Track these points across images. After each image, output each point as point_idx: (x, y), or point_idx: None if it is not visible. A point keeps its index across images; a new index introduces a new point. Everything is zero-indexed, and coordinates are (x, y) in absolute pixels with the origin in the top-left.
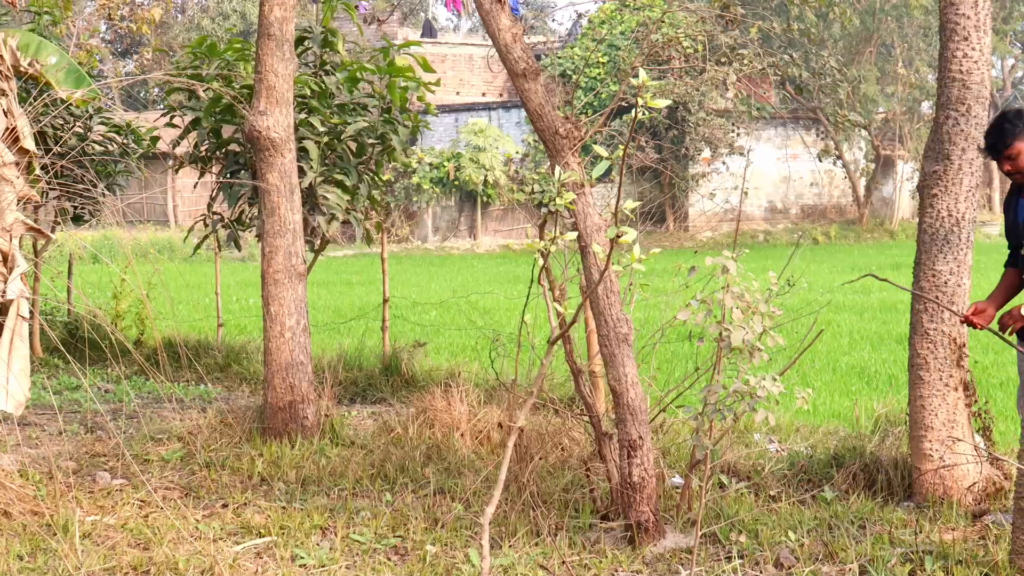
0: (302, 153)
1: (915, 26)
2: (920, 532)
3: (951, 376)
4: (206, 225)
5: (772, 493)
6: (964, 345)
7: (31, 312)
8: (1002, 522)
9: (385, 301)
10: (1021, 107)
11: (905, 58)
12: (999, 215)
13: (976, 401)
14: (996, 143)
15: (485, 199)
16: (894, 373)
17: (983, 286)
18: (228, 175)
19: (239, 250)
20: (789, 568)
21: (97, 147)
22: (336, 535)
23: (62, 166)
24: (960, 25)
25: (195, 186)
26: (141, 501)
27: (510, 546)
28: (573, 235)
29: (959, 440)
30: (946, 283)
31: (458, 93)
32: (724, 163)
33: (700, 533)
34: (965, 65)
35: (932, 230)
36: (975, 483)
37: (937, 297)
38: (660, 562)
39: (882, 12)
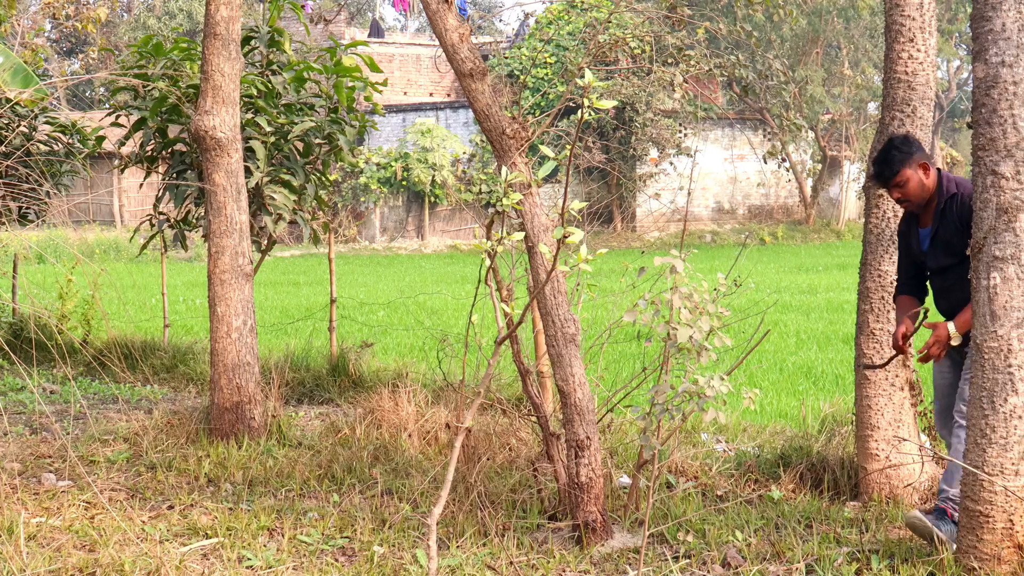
0: (249, 153)
1: (861, 27)
2: (867, 531)
3: (897, 376)
4: (152, 225)
5: (719, 493)
6: (910, 345)
7: None
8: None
9: (332, 301)
10: (907, 133)
11: (851, 59)
12: None
13: (922, 400)
14: (884, 171)
15: (433, 199)
16: (841, 373)
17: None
18: (174, 175)
19: (185, 250)
20: (736, 567)
21: (42, 147)
22: (283, 536)
23: (7, 166)
24: (905, 27)
25: (141, 186)
26: (87, 503)
27: (458, 546)
28: (520, 235)
29: (905, 440)
30: (892, 283)
31: (405, 93)
32: (671, 163)
33: (648, 533)
34: (911, 66)
35: (878, 230)
36: (921, 482)
37: (883, 297)
38: (608, 562)
39: (828, 13)
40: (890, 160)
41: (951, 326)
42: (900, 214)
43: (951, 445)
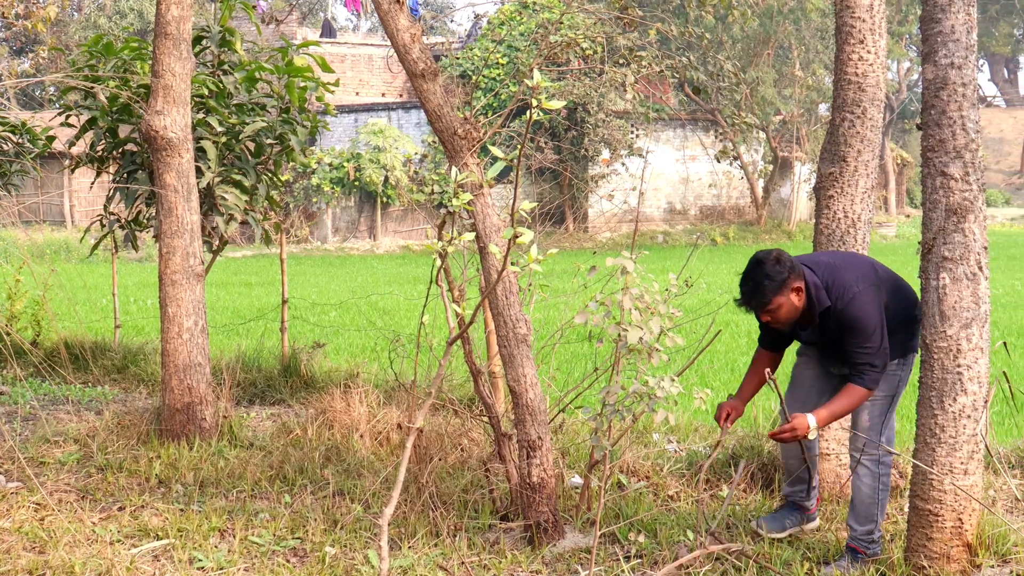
0: (200, 153)
1: (812, 29)
2: (818, 530)
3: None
4: (103, 225)
5: (671, 493)
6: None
7: None
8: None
9: (284, 302)
10: (779, 254)
11: (802, 60)
12: (895, 216)
13: None
14: (752, 301)
15: (385, 200)
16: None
17: None
18: (125, 175)
19: (136, 251)
20: (687, 567)
21: None
22: (234, 537)
23: None
24: (856, 28)
25: (92, 186)
26: (37, 504)
27: (409, 547)
28: (471, 236)
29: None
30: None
31: (357, 93)
32: (623, 164)
33: (599, 533)
34: (861, 68)
35: (829, 231)
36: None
37: None
38: (560, 562)
39: (780, 15)
40: (761, 290)
41: (811, 421)
42: (850, 214)
43: (856, 486)
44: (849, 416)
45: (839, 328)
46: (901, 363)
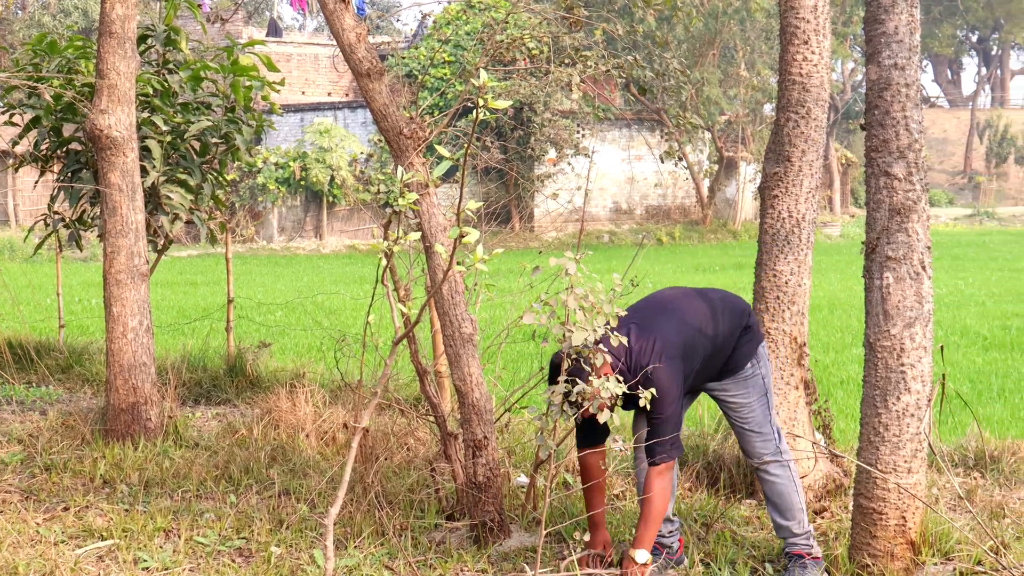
0: (144, 152)
1: (757, 29)
2: (762, 529)
3: (792, 375)
4: (47, 225)
5: (616, 492)
6: (805, 344)
7: None
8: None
9: (230, 301)
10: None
11: (747, 61)
12: (839, 216)
13: (816, 399)
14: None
15: (331, 199)
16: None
17: (823, 286)
18: (69, 174)
19: (81, 250)
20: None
21: None
22: (180, 537)
23: None
24: (800, 29)
25: (36, 185)
26: None
27: (355, 547)
28: (417, 235)
29: (799, 437)
30: (787, 283)
31: (304, 93)
32: (569, 164)
33: (545, 532)
34: (805, 68)
35: (773, 231)
36: (815, 480)
37: (778, 297)
38: (506, 561)
39: (725, 15)
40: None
41: (640, 556)
42: (794, 214)
43: (771, 484)
44: (793, 415)
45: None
46: (755, 363)
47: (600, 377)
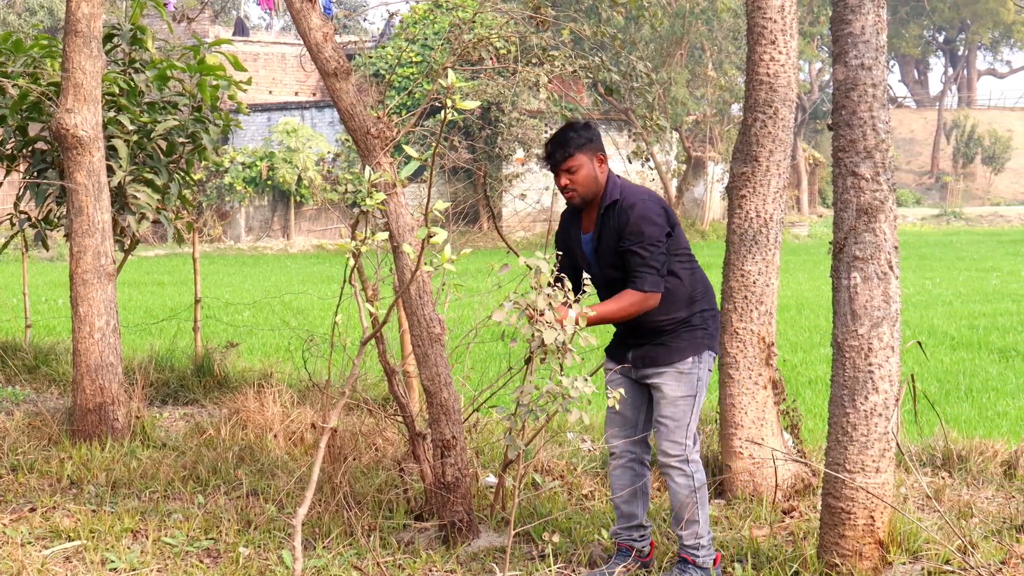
0: (111, 152)
1: (724, 29)
2: (730, 529)
3: (760, 375)
4: (13, 224)
5: (585, 492)
6: (773, 344)
7: None
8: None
9: (197, 301)
10: (590, 120)
11: (715, 61)
12: (807, 216)
13: (785, 399)
14: (557, 152)
15: (298, 199)
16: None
17: (791, 286)
18: (35, 174)
19: (47, 250)
20: (602, 567)
21: None
22: (147, 538)
23: None
24: (767, 29)
25: (0, 185)
26: None
27: (324, 547)
28: (385, 235)
29: (768, 437)
30: (755, 283)
31: (271, 92)
32: (537, 163)
33: (514, 532)
34: (772, 68)
35: (741, 231)
36: (783, 480)
37: (746, 297)
38: (474, 561)
39: (692, 15)
40: (566, 142)
41: (572, 313)
42: (762, 214)
43: (672, 491)
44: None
45: (618, 228)
46: (696, 361)
47: (595, 162)
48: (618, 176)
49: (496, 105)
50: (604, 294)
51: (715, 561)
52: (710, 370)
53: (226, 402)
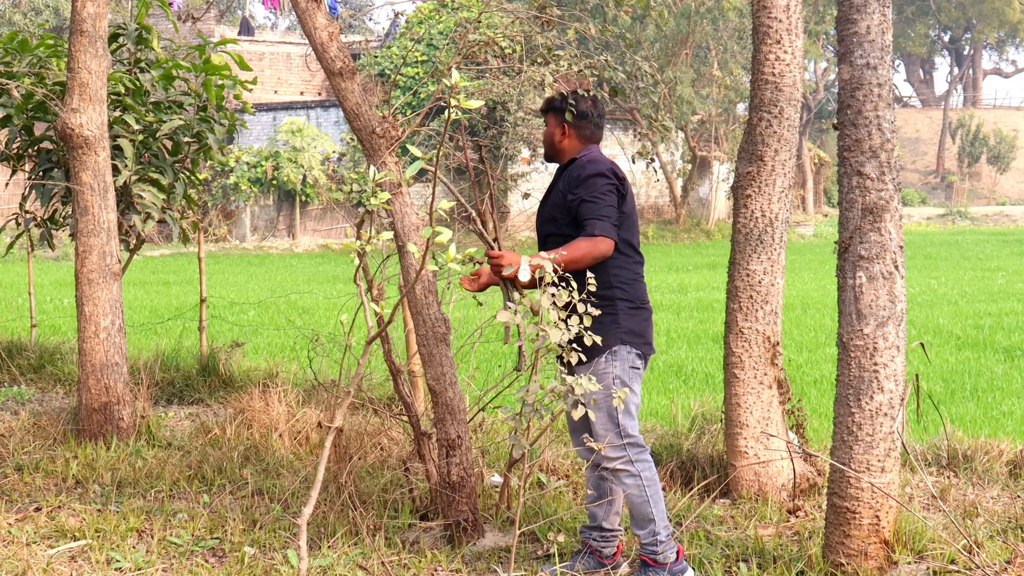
0: (116, 151)
1: (730, 29)
2: (735, 528)
3: (765, 374)
4: (18, 224)
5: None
6: (778, 344)
7: None
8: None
9: (202, 301)
10: (596, 97)
11: (720, 60)
12: (813, 215)
13: (790, 399)
14: (544, 103)
15: (304, 198)
16: (710, 371)
17: (796, 285)
18: (40, 173)
19: (52, 249)
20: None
21: None
22: (152, 537)
23: None
24: (772, 28)
25: (7, 184)
26: None
27: (329, 547)
28: (390, 235)
29: (773, 437)
30: (760, 282)
31: (276, 92)
32: (543, 163)
33: (519, 532)
34: (777, 68)
35: (746, 230)
36: (789, 479)
37: (751, 296)
38: (479, 561)
39: (697, 15)
40: (547, 101)
41: (524, 260)
42: (767, 213)
43: (624, 492)
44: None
45: (570, 181)
46: (610, 359)
47: (564, 128)
48: (605, 157)
49: (501, 104)
50: (542, 249)
51: (678, 554)
52: (633, 366)
53: (231, 401)
